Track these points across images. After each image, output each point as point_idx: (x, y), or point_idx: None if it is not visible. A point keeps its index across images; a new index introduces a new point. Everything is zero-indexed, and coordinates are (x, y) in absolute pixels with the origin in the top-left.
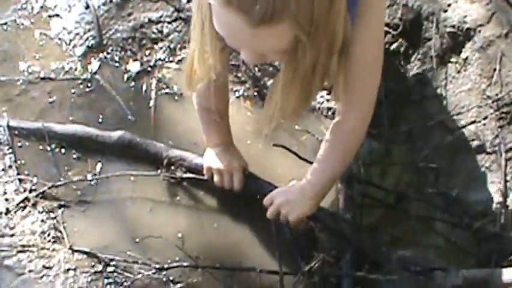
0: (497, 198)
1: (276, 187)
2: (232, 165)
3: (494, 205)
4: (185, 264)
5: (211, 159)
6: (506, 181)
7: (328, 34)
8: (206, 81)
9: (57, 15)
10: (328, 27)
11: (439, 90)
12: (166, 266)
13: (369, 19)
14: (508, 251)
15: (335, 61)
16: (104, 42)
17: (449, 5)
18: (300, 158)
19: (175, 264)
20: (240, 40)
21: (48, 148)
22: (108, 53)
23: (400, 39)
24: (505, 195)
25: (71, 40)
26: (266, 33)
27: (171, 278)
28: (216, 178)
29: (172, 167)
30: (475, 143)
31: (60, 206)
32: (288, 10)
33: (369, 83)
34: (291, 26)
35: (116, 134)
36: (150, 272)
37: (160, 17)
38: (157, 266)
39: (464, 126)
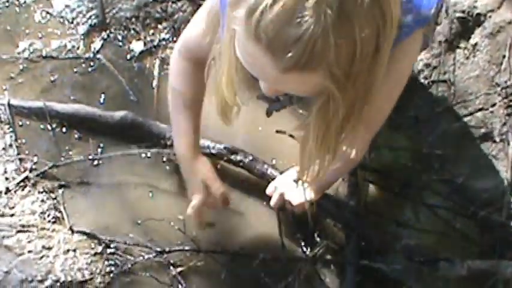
0: (503, 187)
1: (280, 173)
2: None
3: (500, 194)
4: (187, 247)
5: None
6: None
7: (365, 89)
8: (188, 63)
9: None
10: (366, 83)
11: (446, 76)
12: (167, 249)
13: (400, 67)
14: None
15: None
16: (107, 21)
17: None
18: None
19: (176, 247)
20: (263, 75)
21: (49, 127)
22: (111, 32)
23: None
24: (511, 184)
25: (73, 18)
26: (294, 78)
27: (172, 262)
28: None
29: None
30: (482, 131)
31: (60, 186)
32: (324, 61)
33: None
34: (324, 77)
35: (119, 114)
36: (151, 255)
37: None
38: (159, 249)
39: (471, 114)
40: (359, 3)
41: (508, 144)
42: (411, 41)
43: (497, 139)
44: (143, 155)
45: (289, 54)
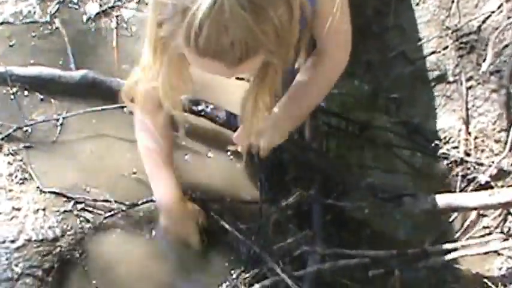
0: (459, 125)
1: None
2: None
3: (456, 132)
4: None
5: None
6: (467, 109)
7: (291, 40)
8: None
9: None
10: (291, 36)
11: (398, 22)
12: (137, 202)
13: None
14: (472, 176)
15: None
16: None
17: None
18: None
19: (145, 199)
20: (220, 73)
21: (11, 91)
22: None
23: None
24: (467, 123)
25: None
26: (244, 66)
27: (141, 215)
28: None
29: None
30: (435, 73)
31: (26, 148)
32: (260, 43)
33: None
34: (265, 54)
35: (79, 73)
36: (121, 210)
37: None
38: (128, 203)
39: (424, 57)
40: None
41: (462, 84)
42: None
43: (451, 80)
44: (106, 112)
45: (232, 55)
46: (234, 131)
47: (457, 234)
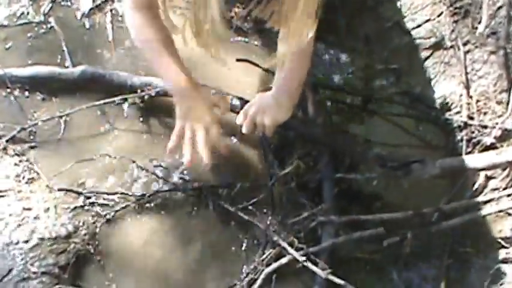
0: (460, 90)
1: (246, 101)
2: (206, 120)
3: (458, 97)
4: (165, 188)
5: (184, 117)
6: (467, 73)
7: None
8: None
9: None
10: None
11: None
12: (146, 193)
13: None
14: (476, 139)
15: None
16: None
17: None
18: (264, 69)
19: (155, 190)
20: None
21: (12, 93)
22: None
23: None
24: (467, 87)
25: None
26: None
27: (153, 204)
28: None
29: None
30: (432, 40)
31: (31, 148)
32: None
33: None
34: None
35: (78, 69)
36: (130, 202)
37: None
38: (138, 194)
39: (420, 25)
40: None
41: (459, 49)
42: None
43: (448, 45)
44: (109, 105)
45: None
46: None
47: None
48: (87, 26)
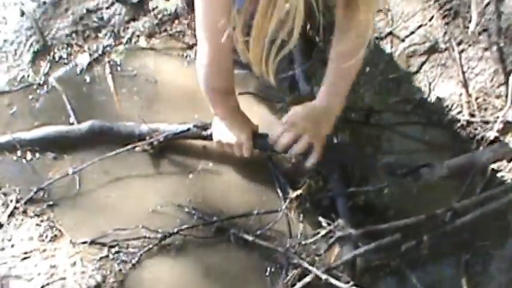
0: (459, 89)
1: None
2: (241, 137)
3: (457, 97)
4: (184, 226)
5: (220, 133)
6: (463, 72)
7: None
8: (215, 64)
9: None
10: None
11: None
12: (167, 233)
13: None
14: (480, 135)
15: None
16: (49, 43)
17: None
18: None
19: (175, 229)
20: None
21: (23, 156)
22: (55, 53)
23: None
24: (466, 85)
25: (15, 50)
26: None
27: (176, 243)
28: (226, 149)
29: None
30: (427, 45)
31: (49, 206)
32: None
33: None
34: None
35: (86, 125)
36: (153, 244)
37: (97, 4)
38: (159, 236)
39: (413, 32)
40: None
41: (453, 49)
42: None
43: (443, 47)
44: (119, 156)
45: None
46: None
47: None
48: (88, 80)
